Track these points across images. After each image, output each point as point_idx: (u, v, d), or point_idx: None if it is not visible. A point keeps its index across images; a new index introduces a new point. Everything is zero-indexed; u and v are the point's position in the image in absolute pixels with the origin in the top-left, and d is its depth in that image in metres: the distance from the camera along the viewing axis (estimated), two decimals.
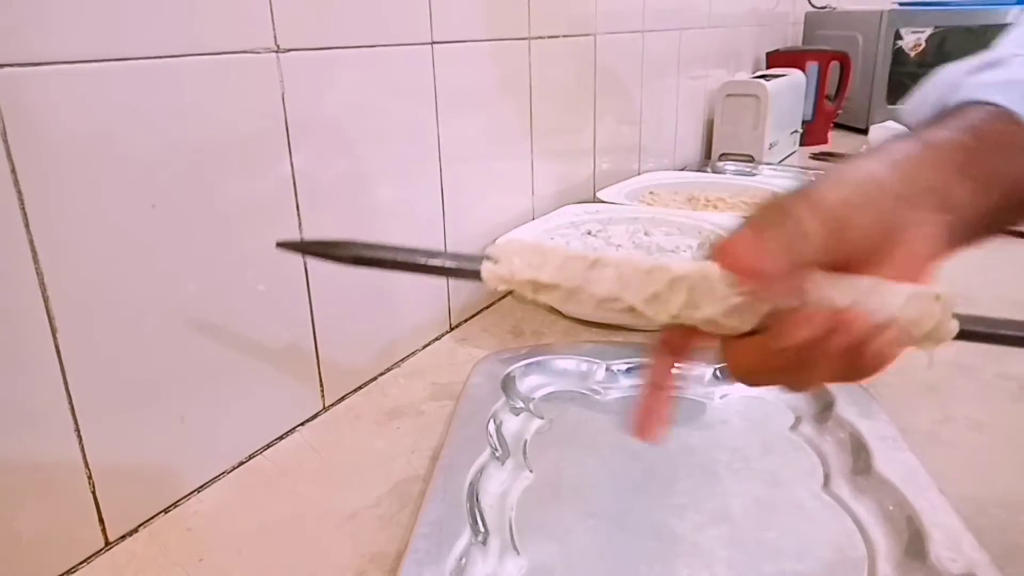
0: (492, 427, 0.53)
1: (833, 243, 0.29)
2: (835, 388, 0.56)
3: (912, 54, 1.65)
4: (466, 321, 0.77)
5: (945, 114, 0.35)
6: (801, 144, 1.59)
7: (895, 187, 0.30)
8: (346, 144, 0.58)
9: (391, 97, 0.62)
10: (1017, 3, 1.62)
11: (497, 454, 0.50)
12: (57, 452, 0.41)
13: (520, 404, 0.58)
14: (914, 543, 0.41)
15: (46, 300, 0.39)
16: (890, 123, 1.53)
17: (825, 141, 1.65)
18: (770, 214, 0.29)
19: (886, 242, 0.29)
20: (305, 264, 0.55)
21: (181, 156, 0.45)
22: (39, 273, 0.39)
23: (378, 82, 0.60)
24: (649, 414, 0.34)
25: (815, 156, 1.51)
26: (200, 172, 0.46)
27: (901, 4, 1.75)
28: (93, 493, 0.43)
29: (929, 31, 1.63)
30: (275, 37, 0.50)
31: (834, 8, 1.95)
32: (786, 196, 0.30)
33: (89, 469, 0.42)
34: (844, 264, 0.29)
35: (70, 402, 0.41)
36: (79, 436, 0.42)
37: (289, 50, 0.51)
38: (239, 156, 0.49)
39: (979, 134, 0.33)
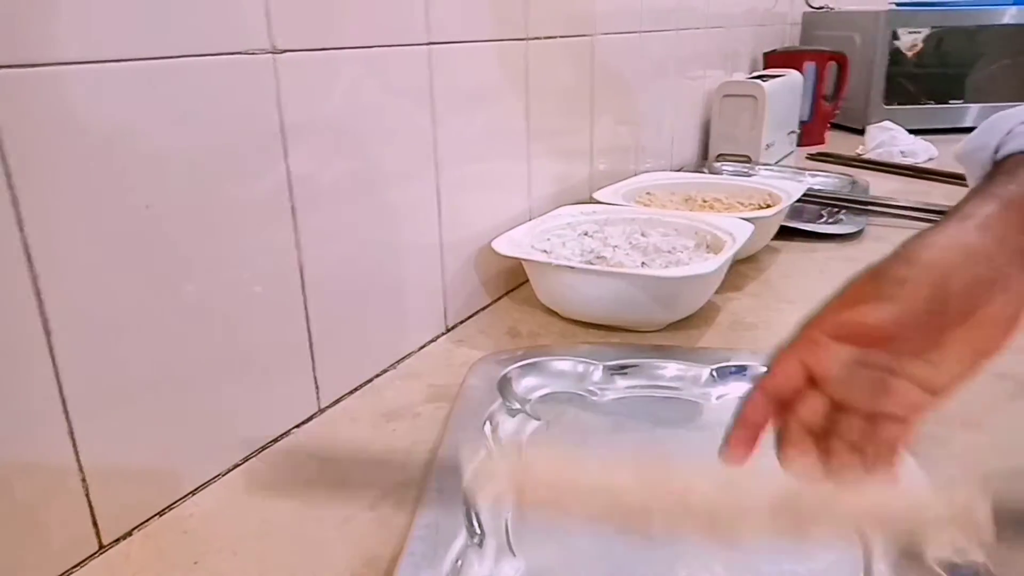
0: (488, 429, 0.53)
1: (934, 319, 0.32)
2: None
3: (909, 54, 1.65)
4: (463, 322, 0.77)
5: (1007, 163, 0.37)
6: (798, 144, 1.59)
7: (986, 252, 0.32)
8: (343, 145, 0.58)
9: (388, 98, 0.61)
10: (1015, 3, 1.62)
11: (493, 457, 0.50)
12: (51, 454, 0.41)
13: (516, 406, 0.58)
14: (910, 544, 0.40)
15: (40, 302, 0.39)
16: (887, 123, 1.53)
17: (822, 141, 1.65)
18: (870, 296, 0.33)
19: (977, 305, 0.32)
20: (301, 266, 0.55)
21: (176, 157, 0.45)
22: (33, 275, 0.38)
23: (375, 83, 0.60)
24: (743, 445, 0.36)
25: (812, 156, 1.51)
26: (195, 173, 0.46)
27: (898, 5, 1.75)
28: (87, 496, 0.43)
29: (926, 31, 1.64)
30: (271, 38, 0.49)
31: (831, 8, 1.95)
32: (887, 278, 0.33)
33: (83, 472, 0.42)
34: (937, 328, 0.32)
35: (64, 404, 0.41)
36: (72, 438, 0.42)
37: (285, 51, 0.51)
38: (234, 157, 0.49)
39: None
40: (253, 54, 0.49)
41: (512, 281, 0.85)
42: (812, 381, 0.35)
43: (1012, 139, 0.38)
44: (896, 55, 1.65)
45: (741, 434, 0.36)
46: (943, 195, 1.17)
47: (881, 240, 0.99)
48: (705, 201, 0.99)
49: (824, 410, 0.34)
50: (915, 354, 0.33)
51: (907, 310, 0.32)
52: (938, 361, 0.33)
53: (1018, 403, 0.58)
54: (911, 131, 1.51)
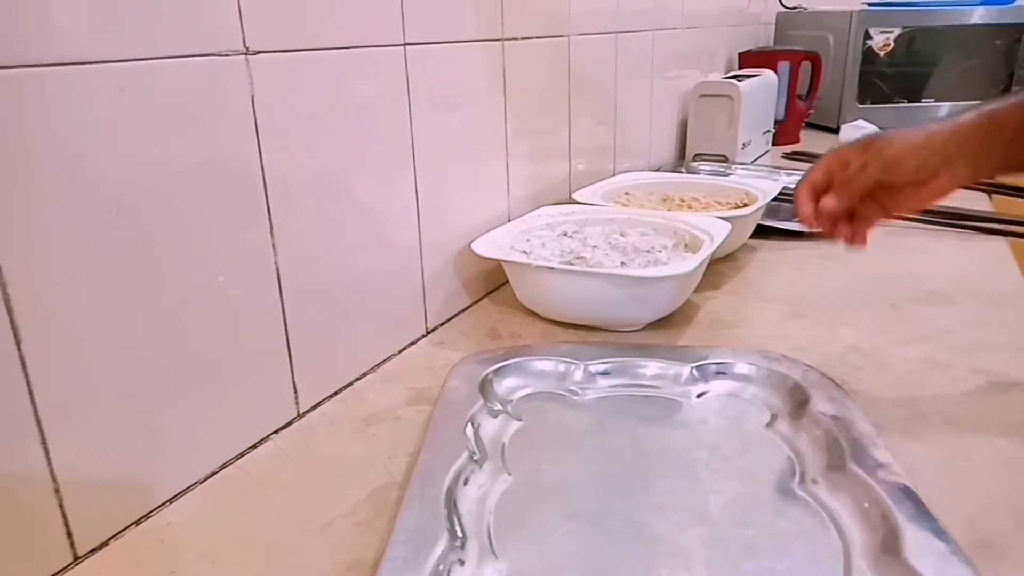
0: (470, 430, 0.53)
1: (885, 176, 0.54)
2: (810, 387, 0.57)
3: (882, 54, 1.67)
4: (443, 324, 0.76)
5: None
6: (774, 144, 1.60)
7: (942, 148, 0.51)
8: (318, 146, 0.57)
9: (364, 99, 0.61)
10: (982, 4, 1.65)
11: (475, 457, 0.50)
12: (23, 465, 0.40)
13: (498, 406, 0.58)
14: (889, 539, 0.41)
15: (10, 310, 0.38)
16: (860, 122, 1.55)
17: (797, 140, 1.67)
18: (851, 153, 0.55)
19: (921, 179, 0.52)
20: (277, 268, 0.54)
21: (147, 160, 0.44)
22: (2, 283, 0.38)
23: (350, 84, 0.59)
24: (810, 215, 0.58)
25: (787, 155, 1.52)
26: (167, 176, 0.46)
27: (870, 5, 1.78)
28: (61, 507, 0.42)
29: (898, 31, 1.66)
30: (244, 39, 0.49)
31: (805, 8, 1.97)
32: (873, 147, 0.54)
33: (56, 482, 0.41)
34: (889, 185, 0.54)
35: (36, 414, 0.40)
36: (45, 448, 0.41)
37: (259, 52, 0.50)
38: (208, 159, 0.48)
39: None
40: (226, 55, 0.48)
41: (492, 282, 0.85)
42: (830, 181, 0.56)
43: None
44: (869, 55, 1.67)
45: (805, 207, 0.57)
46: None
47: None
48: (683, 200, 1.00)
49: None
50: (882, 191, 0.54)
51: (875, 170, 0.53)
52: (897, 198, 0.54)
53: (990, 397, 0.59)
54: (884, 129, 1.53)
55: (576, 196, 0.94)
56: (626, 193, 1.02)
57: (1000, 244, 0.95)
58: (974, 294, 0.80)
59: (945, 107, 1.67)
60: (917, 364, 0.64)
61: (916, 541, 0.40)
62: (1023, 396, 0.59)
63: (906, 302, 0.78)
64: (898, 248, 0.96)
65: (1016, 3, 1.64)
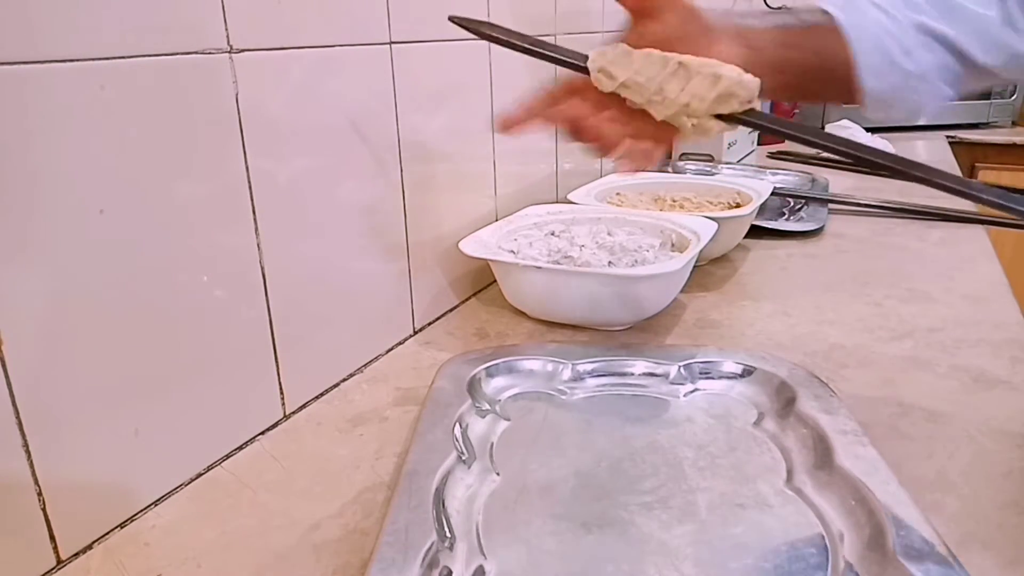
0: (458, 430, 0.53)
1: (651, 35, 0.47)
2: (797, 385, 0.57)
3: None
4: (430, 324, 0.76)
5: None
6: (759, 143, 1.61)
7: (709, 21, 0.48)
8: (303, 145, 0.57)
9: (349, 97, 0.61)
10: None
11: (463, 458, 0.50)
12: (4, 469, 0.39)
13: (486, 406, 0.58)
14: (875, 536, 0.41)
15: None
16: (845, 121, 1.56)
17: (782, 140, 1.67)
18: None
19: (694, 44, 0.46)
20: (263, 268, 0.54)
21: (131, 160, 0.44)
22: None
23: (336, 82, 0.59)
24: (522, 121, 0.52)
25: (772, 155, 1.54)
26: (151, 175, 0.45)
27: None
28: (44, 510, 0.41)
29: None
30: (228, 37, 0.48)
31: (789, 9, 1.99)
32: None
33: (39, 486, 0.41)
34: (666, 43, 0.46)
35: (17, 416, 0.39)
36: (27, 452, 0.40)
37: (243, 51, 0.50)
38: (192, 158, 0.48)
39: (800, 20, 0.51)
40: (209, 54, 0.48)
41: (479, 282, 0.84)
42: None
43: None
44: None
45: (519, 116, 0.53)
46: (898, 190, 1.20)
47: (840, 236, 1.01)
48: (675, 201, 1.00)
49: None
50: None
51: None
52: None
53: (974, 395, 0.60)
54: (868, 129, 1.54)
55: (571, 197, 0.94)
56: (617, 194, 1.03)
57: (984, 242, 0.96)
58: (957, 291, 0.80)
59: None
60: (901, 362, 0.65)
61: (902, 538, 0.40)
62: (1006, 393, 0.60)
63: (889, 300, 0.78)
64: (882, 246, 0.97)
65: None
